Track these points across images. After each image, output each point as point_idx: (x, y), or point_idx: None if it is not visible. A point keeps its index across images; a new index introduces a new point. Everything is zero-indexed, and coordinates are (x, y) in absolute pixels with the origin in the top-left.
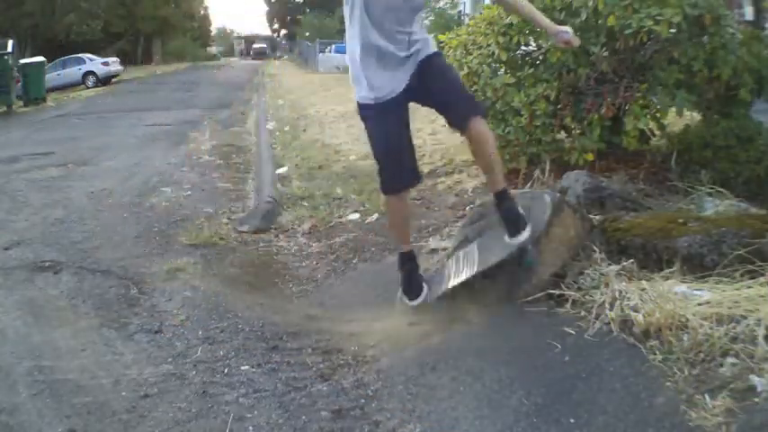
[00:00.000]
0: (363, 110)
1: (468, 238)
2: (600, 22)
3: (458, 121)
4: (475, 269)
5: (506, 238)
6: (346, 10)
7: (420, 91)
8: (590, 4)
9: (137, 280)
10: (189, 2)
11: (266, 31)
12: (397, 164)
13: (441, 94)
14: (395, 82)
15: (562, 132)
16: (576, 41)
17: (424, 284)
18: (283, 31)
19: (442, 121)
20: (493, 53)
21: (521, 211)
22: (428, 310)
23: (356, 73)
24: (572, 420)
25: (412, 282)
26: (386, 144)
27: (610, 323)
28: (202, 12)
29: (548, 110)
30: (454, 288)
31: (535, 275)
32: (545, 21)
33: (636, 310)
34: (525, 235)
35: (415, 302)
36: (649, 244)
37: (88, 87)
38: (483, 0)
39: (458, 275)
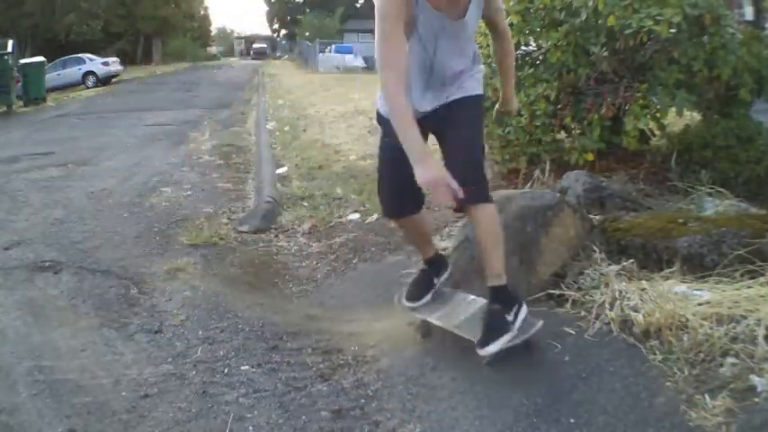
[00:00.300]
0: (380, 121)
1: (468, 237)
2: (600, 22)
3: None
4: (453, 327)
5: (475, 340)
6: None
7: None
8: (590, 4)
9: (137, 280)
10: (189, 2)
11: (266, 31)
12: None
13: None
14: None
15: (562, 132)
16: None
17: (428, 294)
18: (283, 31)
19: None
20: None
21: (507, 317)
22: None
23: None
24: (572, 420)
25: (417, 283)
26: (384, 167)
27: (610, 323)
28: (202, 12)
29: (548, 110)
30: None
31: (535, 275)
32: (512, 90)
33: (636, 310)
34: (491, 349)
35: (408, 304)
36: (649, 244)
37: (88, 87)
38: None
39: (446, 318)
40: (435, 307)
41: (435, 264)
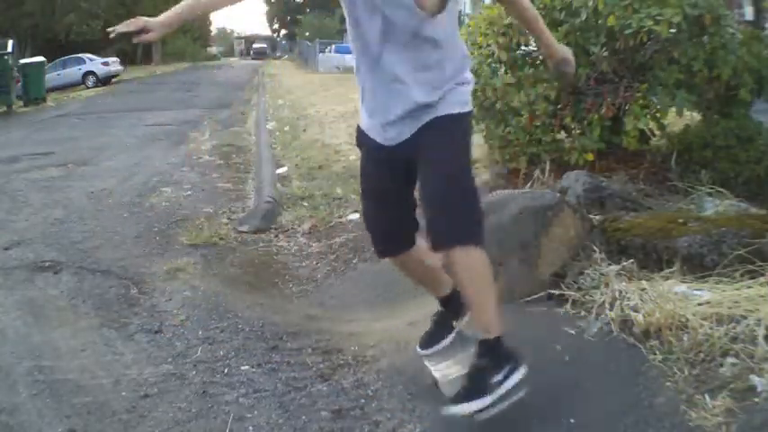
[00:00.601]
0: (360, 142)
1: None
2: (600, 22)
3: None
4: (444, 380)
5: (451, 396)
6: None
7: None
8: (590, 4)
9: (137, 280)
10: None
11: (266, 31)
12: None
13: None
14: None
15: (562, 132)
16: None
17: (445, 340)
18: (283, 31)
19: None
20: (493, 53)
21: (493, 378)
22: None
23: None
24: (572, 420)
25: (431, 330)
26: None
27: (610, 323)
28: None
29: (548, 110)
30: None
31: (535, 275)
32: (550, 38)
33: (636, 310)
34: (454, 410)
35: (420, 351)
36: (649, 244)
37: (88, 87)
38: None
39: (442, 369)
40: (448, 355)
41: (452, 303)
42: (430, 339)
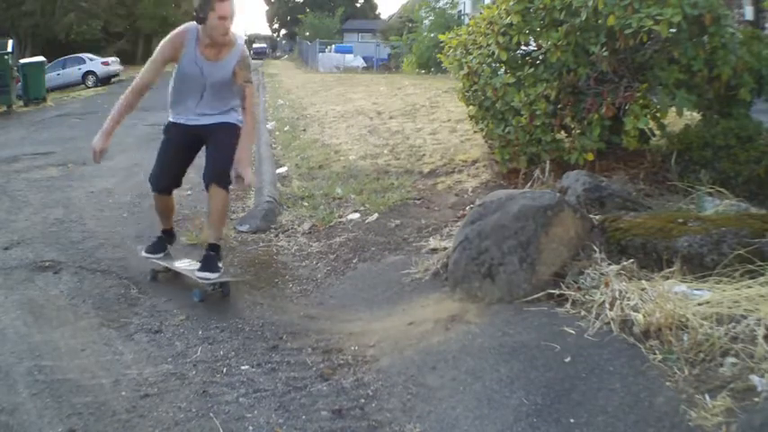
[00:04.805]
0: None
1: (467, 237)
2: (600, 21)
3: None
4: (174, 266)
5: (197, 272)
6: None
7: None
8: (590, 3)
9: (137, 280)
10: (189, 1)
11: (266, 31)
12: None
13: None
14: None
15: (562, 132)
16: (246, 185)
17: (161, 252)
18: (283, 31)
19: (441, 120)
20: (493, 53)
21: (218, 263)
22: (428, 310)
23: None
24: (572, 420)
25: (154, 245)
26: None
27: (610, 323)
28: None
29: (548, 110)
30: (171, 269)
31: (535, 275)
32: (243, 151)
33: (636, 310)
34: (209, 276)
35: (147, 255)
36: (649, 244)
37: (88, 87)
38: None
39: (179, 264)
40: (165, 260)
41: (172, 235)
42: (153, 249)
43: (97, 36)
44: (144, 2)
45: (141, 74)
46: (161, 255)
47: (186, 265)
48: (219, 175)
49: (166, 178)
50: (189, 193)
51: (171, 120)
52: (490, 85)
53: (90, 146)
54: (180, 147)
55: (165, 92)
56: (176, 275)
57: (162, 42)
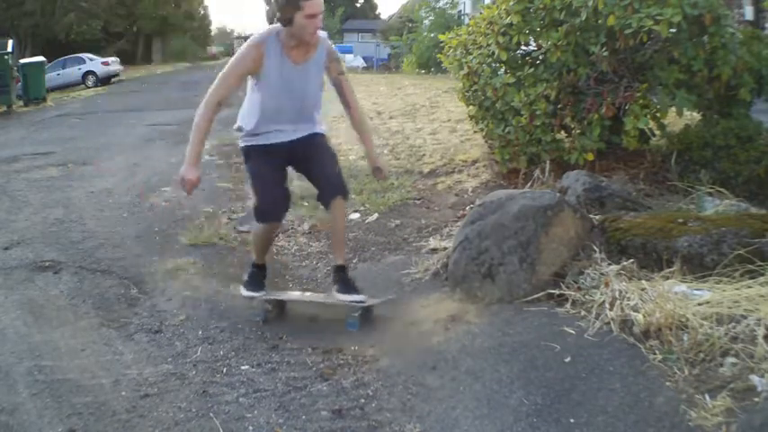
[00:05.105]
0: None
1: (467, 237)
2: (600, 21)
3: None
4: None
5: (339, 295)
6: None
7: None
8: (590, 3)
9: (137, 280)
10: (189, 1)
11: None
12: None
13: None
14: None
15: (562, 132)
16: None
17: (264, 287)
18: None
19: (441, 120)
20: (493, 53)
21: (355, 284)
22: (428, 310)
23: None
24: (572, 420)
25: (256, 281)
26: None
27: (610, 323)
28: (202, 11)
29: (548, 110)
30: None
31: (535, 275)
32: (370, 147)
33: (636, 310)
34: (359, 298)
35: (249, 294)
36: (649, 244)
37: (88, 87)
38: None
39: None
40: (271, 294)
41: (266, 269)
42: (257, 285)
43: (97, 36)
44: (144, 2)
45: (214, 90)
46: (264, 291)
47: (310, 296)
48: (342, 187)
49: (282, 204)
50: None
51: (260, 142)
52: (490, 85)
53: (179, 178)
54: (280, 168)
55: (164, 91)
56: (283, 311)
57: (236, 57)
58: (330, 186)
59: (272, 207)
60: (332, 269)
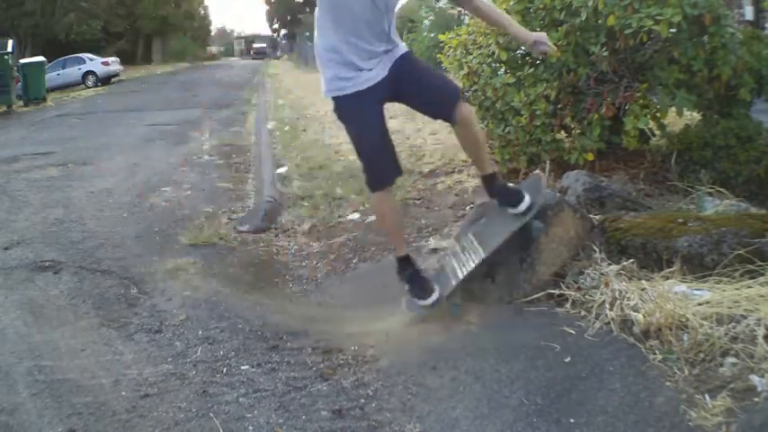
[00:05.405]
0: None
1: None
2: (600, 21)
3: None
4: (482, 255)
5: (509, 210)
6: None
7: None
8: (590, 3)
9: (137, 280)
10: (189, 2)
11: (266, 31)
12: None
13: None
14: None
15: (562, 132)
16: (554, 50)
17: (433, 283)
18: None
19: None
20: (493, 53)
21: (512, 185)
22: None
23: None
24: (572, 420)
25: (420, 283)
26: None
27: (610, 323)
28: (202, 11)
29: (548, 110)
30: (464, 279)
31: (535, 275)
32: (516, 27)
33: (636, 310)
34: (527, 200)
35: (430, 301)
36: (649, 244)
37: (88, 87)
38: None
39: (464, 266)
40: (446, 282)
41: (412, 261)
42: (424, 290)
43: (97, 36)
44: (144, 2)
45: None
46: (437, 291)
47: (472, 255)
48: (459, 93)
49: (391, 163)
50: (188, 193)
51: (350, 91)
52: (490, 85)
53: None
54: (381, 115)
55: (164, 91)
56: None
57: None
58: (449, 93)
59: (380, 169)
60: (481, 180)
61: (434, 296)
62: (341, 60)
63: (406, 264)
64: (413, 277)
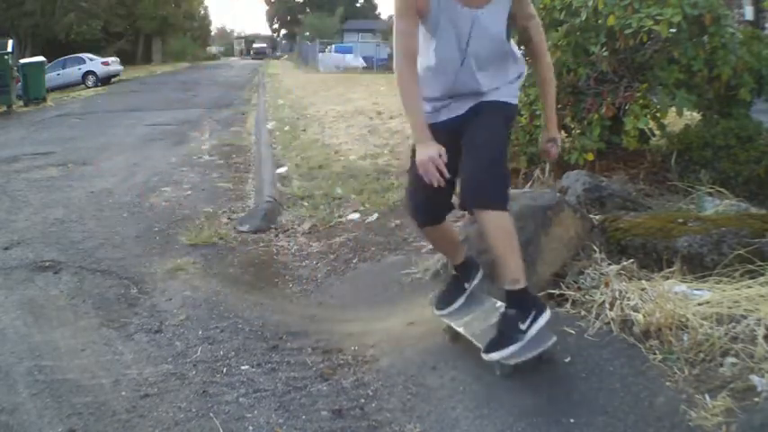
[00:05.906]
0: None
1: (468, 237)
2: (600, 21)
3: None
4: (470, 334)
5: (482, 347)
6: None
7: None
8: (590, 3)
9: (137, 280)
10: (189, 2)
11: (266, 31)
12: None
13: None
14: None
15: (562, 132)
16: (554, 158)
17: (460, 299)
18: (283, 31)
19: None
20: None
21: (520, 325)
22: (428, 310)
23: None
24: (572, 420)
25: (447, 290)
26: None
27: (610, 323)
28: (202, 11)
29: None
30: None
31: (535, 275)
32: (550, 110)
33: (636, 310)
34: (492, 356)
35: (437, 312)
36: (649, 244)
37: (88, 87)
38: None
39: (464, 324)
40: (464, 312)
41: (466, 268)
42: (445, 300)
43: (97, 36)
44: (144, 2)
45: (400, 37)
46: (457, 305)
47: (483, 328)
48: (481, 191)
49: (431, 208)
50: (188, 192)
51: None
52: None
53: (419, 165)
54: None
55: (164, 91)
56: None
57: None
58: (469, 188)
59: (414, 208)
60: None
61: (450, 308)
62: None
63: (461, 269)
64: (454, 283)
